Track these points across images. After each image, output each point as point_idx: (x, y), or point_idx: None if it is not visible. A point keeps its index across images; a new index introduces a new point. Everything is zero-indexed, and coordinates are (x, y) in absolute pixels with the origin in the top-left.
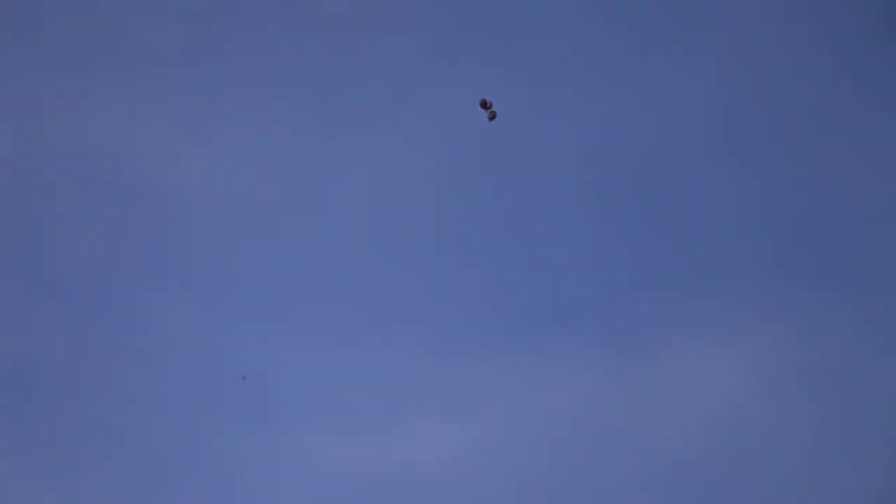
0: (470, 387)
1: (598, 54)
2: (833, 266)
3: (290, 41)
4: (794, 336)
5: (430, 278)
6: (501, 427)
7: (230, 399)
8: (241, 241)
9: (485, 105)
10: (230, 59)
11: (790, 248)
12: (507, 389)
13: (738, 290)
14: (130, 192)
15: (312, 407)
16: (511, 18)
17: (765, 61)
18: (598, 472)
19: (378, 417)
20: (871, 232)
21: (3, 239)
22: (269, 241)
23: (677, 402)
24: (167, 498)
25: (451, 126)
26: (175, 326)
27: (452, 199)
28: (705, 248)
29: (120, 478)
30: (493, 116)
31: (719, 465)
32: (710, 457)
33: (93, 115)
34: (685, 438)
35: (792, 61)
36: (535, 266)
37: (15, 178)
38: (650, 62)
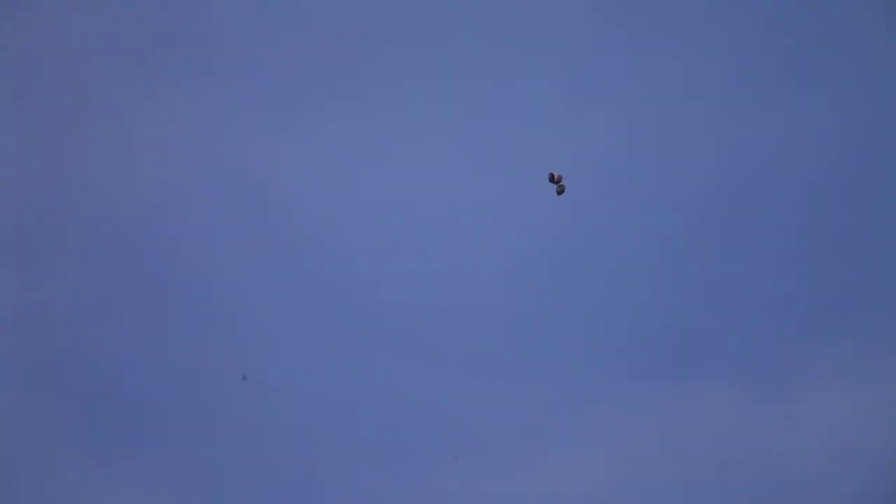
0: (607, 423)
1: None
2: None
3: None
4: None
5: (569, 315)
6: (637, 464)
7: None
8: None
9: (553, 179)
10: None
11: None
12: (645, 427)
13: (877, 330)
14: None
15: (450, 441)
16: None
17: None
18: None
19: (514, 452)
20: None
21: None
22: (416, 279)
23: (813, 441)
24: None
25: (591, 171)
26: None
27: (589, 235)
28: (841, 286)
29: None
30: (561, 190)
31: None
32: (847, 495)
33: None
34: (821, 476)
35: None
36: (672, 304)
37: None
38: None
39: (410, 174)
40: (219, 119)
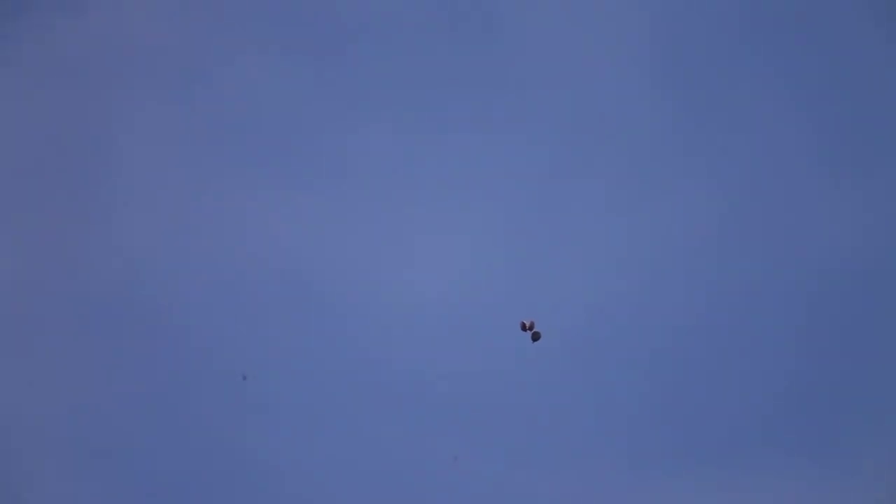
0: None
1: None
2: None
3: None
4: None
5: (633, 394)
6: None
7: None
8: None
9: (525, 328)
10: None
11: None
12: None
13: None
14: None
15: None
16: None
17: None
18: None
19: None
20: None
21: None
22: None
23: None
24: None
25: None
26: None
27: (659, 309)
28: None
29: None
30: (536, 337)
31: None
32: None
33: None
34: None
35: None
36: (735, 378)
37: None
38: None
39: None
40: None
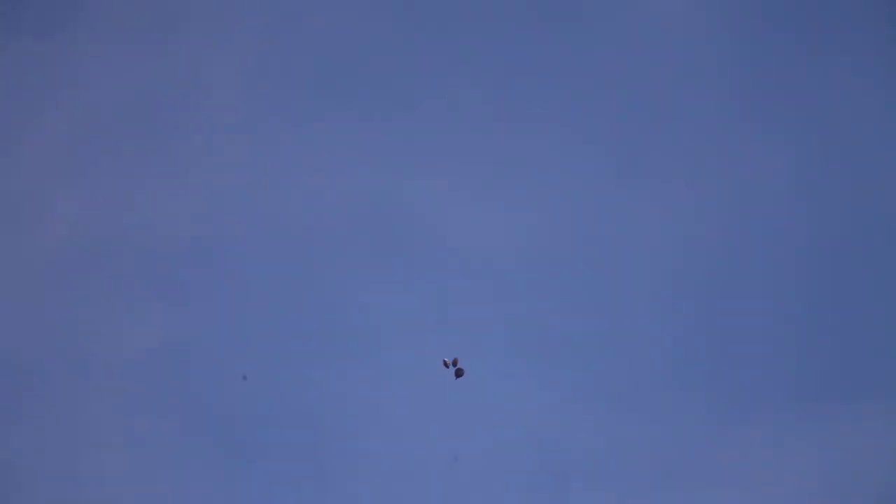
0: (756, 455)
1: None
2: None
3: None
4: None
5: (718, 343)
6: (790, 497)
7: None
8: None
9: (447, 365)
10: None
11: None
12: (798, 457)
13: None
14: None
15: (596, 475)
16: None
17: None
18: None
19: (658, 485)
20: None
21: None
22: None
23: None
24: None
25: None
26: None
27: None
28: None
29: None
30: (460, 373)
31: None
32: None
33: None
34: None
35: None
36: (832, 330)
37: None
38: None
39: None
40: None
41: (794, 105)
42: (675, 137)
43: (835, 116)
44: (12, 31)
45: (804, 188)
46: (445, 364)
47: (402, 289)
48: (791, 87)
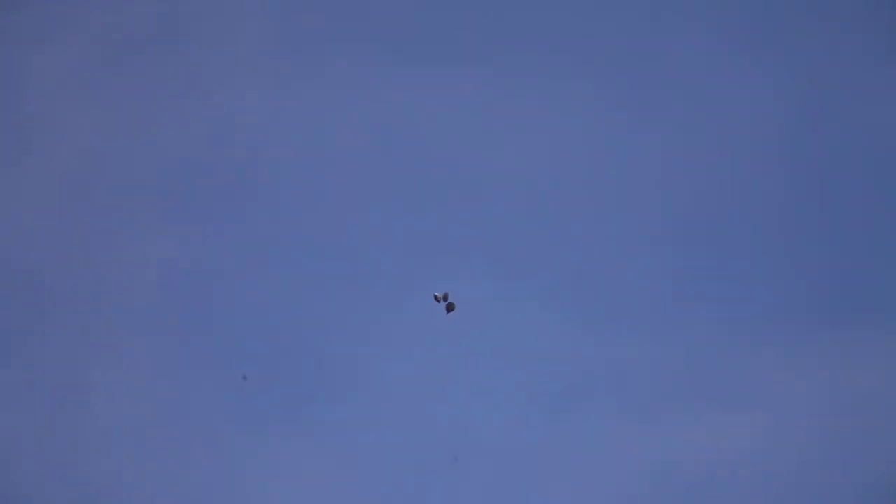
0: (764, 378)
1: None
2: None
3: None
4: None
5: (728, 265)
6: (795, 420)
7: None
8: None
9: (438, 299)
10: None
11: None
12: (802, 381)
13: None
14: None
15: (601, 396)
16: None
17: None
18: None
19: (665, 407)
20: None
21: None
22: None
23: None
24: None
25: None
26: None
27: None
28: None
29: None
30: (451, 308)
31: None
32: None
33: None
34: None
35: None
36: (835, 259)
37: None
38: None
39: None
40: None
41: (790, 36)
42: (673, 69)
43: (828, 49)
44: None
45: (806, 113)
46: (436, 298)
47: (405, 211)
48: (785, 20)
